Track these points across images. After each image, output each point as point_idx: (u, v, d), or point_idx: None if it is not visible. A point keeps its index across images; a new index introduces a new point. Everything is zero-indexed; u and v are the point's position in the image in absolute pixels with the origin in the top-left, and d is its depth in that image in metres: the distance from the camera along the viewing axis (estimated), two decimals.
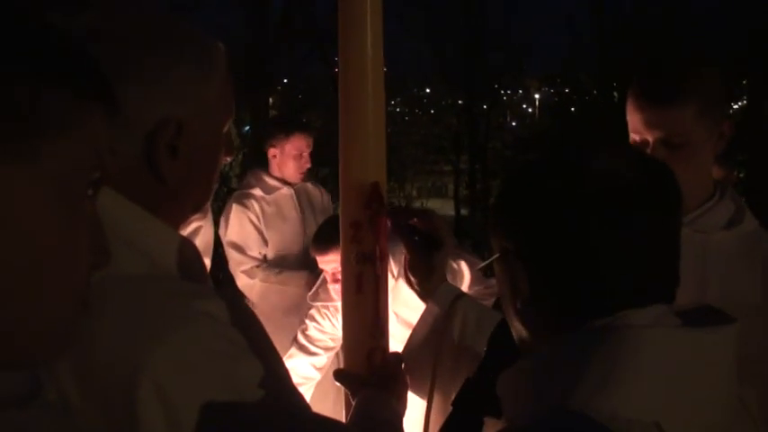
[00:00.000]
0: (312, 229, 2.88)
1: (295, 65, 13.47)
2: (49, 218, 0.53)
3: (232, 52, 0.90)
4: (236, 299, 0.85)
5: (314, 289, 2.56)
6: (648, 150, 1.42)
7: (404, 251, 1.28)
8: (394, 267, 1.59)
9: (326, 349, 2.57)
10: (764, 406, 1.28)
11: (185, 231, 0.95)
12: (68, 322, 0.56)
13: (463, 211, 17.03)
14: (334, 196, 2.10)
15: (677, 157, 1.36)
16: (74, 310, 0.56)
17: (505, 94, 21.31)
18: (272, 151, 3.35)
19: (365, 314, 1.25)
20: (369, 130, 1.23)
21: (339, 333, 1.56)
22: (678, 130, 1.42)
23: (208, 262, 2.38)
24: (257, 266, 3.25)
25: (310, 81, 15.10)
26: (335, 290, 2.38)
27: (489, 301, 1.93)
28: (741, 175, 8.12)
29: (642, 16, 14.29)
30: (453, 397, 1.08)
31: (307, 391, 2.51)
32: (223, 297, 0.79)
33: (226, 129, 0.91)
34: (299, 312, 2.77)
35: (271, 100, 12.53)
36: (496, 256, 0.84)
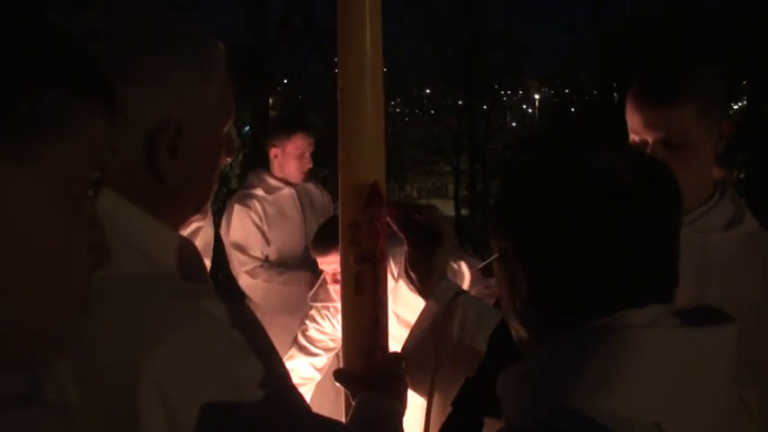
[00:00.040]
0: (313, 229, 2.88)
1: (295, 65, 13.47)
2: (49, 218, 0.53)
3: (232, 52, 0.90)
4: (236, 299, 0.85)
5: (314, 290, 2.56)
6: (648, 151, 1.42)
7: (404, 252, 1.28)
8: (394, 268, 1.59)
9: (326, 350, 2.57)
10: (764, 406, 1.28)
11: (185, 232, 0.95)
12: (68, 322, 0.56)
13: (463, 212, 17.04)
14: (334, 197, 2.10)
15: (677, 158, 1.36)
16: (74, 310, 0.56)
17: (505, 94, 21.32)
18: (273, 151, 3.35)
19: (365, 314, 1.25)
20: (368, 131, 1.23)
21: (339, 334, 1.56)
22: (678, 130, 1.41)
23: (208, 262, 2.38)
24: (260, 266, 3.25)
25: (310, 81, 15.09)
26: (335, 290, 2.38)
27: (489, 302, 1.93)
28: (741, 176, 8.12)
29: (642, 16, 14.30)
30: (453, 397, 1.08)
31: (307, 392, 2.51)
32: (223, 297, 0.79)
33: (226, 129, 0.91)
34: (301, 312, 2.77)
35: (271, 100, 12.53)
36: (496, 256, 0.84)
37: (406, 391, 1.23)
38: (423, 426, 1.23)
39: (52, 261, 0.53)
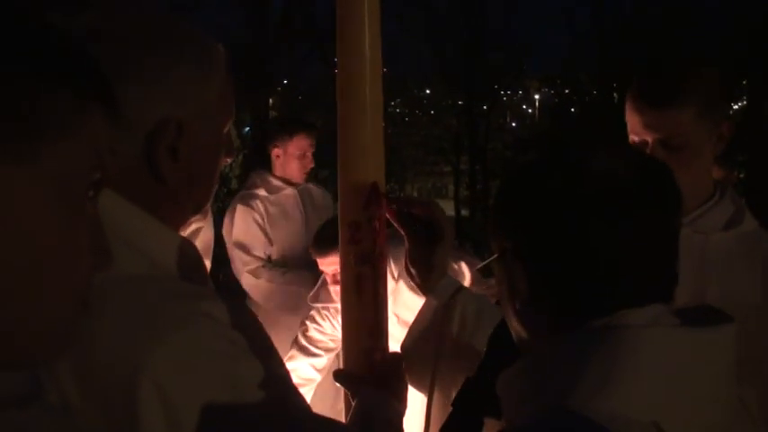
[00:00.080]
0: (315, 229, 2.89)
1: (295, 65, 13.49)
2: (49, 218, 0.53)
3: (232, 52, 0.90)
4: (236, 300, 0.85)
5: (314, 290, 2.56)
6: (648, 151, 1.42)
7: (404, 252, 1.28)
8: (394, 269, 1.59)
9: (327, 350, 2.57)
10: (764, 406, 1.28)
11: (185, 232, 0.95)
12: (68, 322, 0.56)
13: (463, 212, 17.05)
14: (335, 197, 2.10)
15: (677, 158, 1.36)
16: (74, 310, 0.56)
17: (505, 94, 21.33)
18: (275, 151, 3.36)
19: (365, 315, 1.25)
20: (367, 131, 1.23)
21: (339, 334, 1.56)
22: (677, 131, 1.41)
23: (208, 263, 2.37)
24: (262, 266, 3.25)
25: (310, 81, 15.10)
26: (336, 291, 2.37)
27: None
28: (741, 176, 8.11)
29: (642, 16, 14.30)
30: (453, 396, 1.08)
31: (307, 392, 2.51)
32: (223, 299, 0.79)
33: (226, 129, 0.91)
34: (303, 312, 2.77)
35: (271, 100, 12.53)
36: (496, 256, 0.84)
37: (407, 391, 1.23)
38: (423, 426, 1.23)
39: (52, 261, 0.53)
